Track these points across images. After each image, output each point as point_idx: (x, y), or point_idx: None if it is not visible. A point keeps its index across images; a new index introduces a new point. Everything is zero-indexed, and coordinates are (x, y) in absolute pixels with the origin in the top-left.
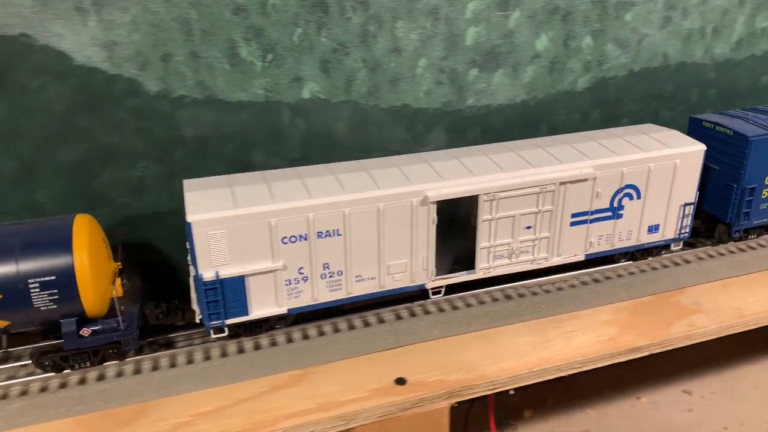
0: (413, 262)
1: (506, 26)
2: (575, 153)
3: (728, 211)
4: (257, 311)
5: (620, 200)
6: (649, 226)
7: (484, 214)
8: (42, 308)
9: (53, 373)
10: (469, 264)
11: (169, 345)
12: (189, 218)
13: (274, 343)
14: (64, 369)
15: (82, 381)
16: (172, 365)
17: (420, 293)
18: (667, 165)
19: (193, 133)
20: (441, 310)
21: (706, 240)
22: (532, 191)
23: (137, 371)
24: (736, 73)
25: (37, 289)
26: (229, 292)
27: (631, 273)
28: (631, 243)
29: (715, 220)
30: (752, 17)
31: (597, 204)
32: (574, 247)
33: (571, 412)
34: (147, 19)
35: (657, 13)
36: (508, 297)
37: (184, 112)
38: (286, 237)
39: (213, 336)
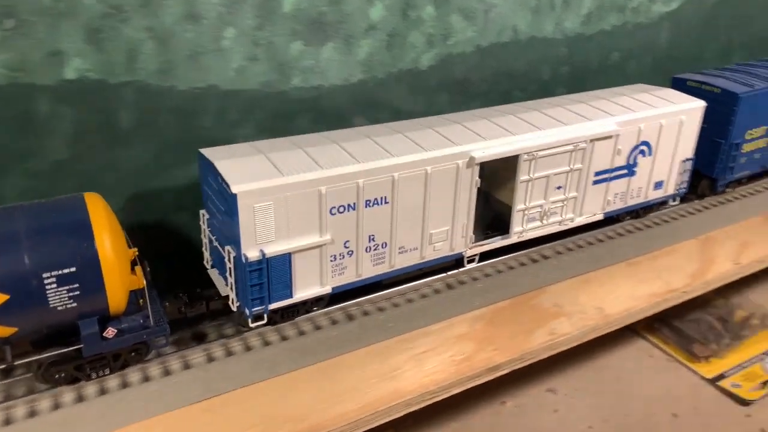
0: (454, 229)
1: None
2: (597, 111)
3: (715, 166)
4: (301, 293)
5: (635, 157)
6: (655, 183)
7: (522, 175)
8: (59, 308)
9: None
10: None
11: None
12: (234, 189)
13: (8, 422)
14: (79, 380)
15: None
16: None
17: (455, 263)
18: (675, 121)
19: None
20: (267, 343)
21: (690, 195)
22: (567, 149)
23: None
24: (587, 49)
25: (54, 285)
26: (275, 273)
27: (487, 275)
28: (640, 200)
29: (699, 175)
30: None
31: (617, 161)
32: (595, 206)
33: (434, 428)
34: None
35: None
36: (351, 317)
37: None
38: (335, 207)
39: (252, 324)
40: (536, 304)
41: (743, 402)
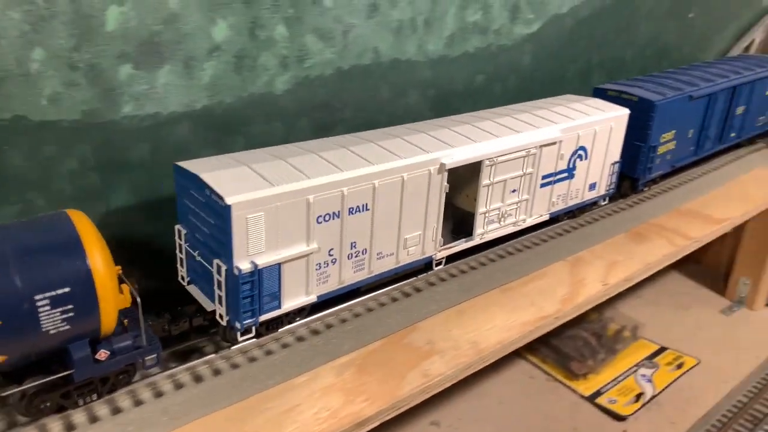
0: (425, 233)
1: (166, 7)
2: (541, 120)
3: (636, 168)
4: (288, 303)
5: (574, 161)
6: (590, 184)
7: (484, 180)
8: (51, 332)
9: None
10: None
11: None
12: (228, 200)
13: None
14: (66, 409)
15: None
16: None
17: None
18: (606, 128)
19: None
20: (93, 420)
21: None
22: (521, 155)
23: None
24: (451, 71)
25: (47, 308)
26: (265, 284)
27: (357, 315)
28: (577, 200)
29: (622, 176)
30: (462, 9)
31: (560, 165)
32: (542, 207)
33: None
34: None
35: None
36: (199, 378)
37: None
38: (321, 216)
39: (240, 339)
40: (409, 343)
41: (619, 417)
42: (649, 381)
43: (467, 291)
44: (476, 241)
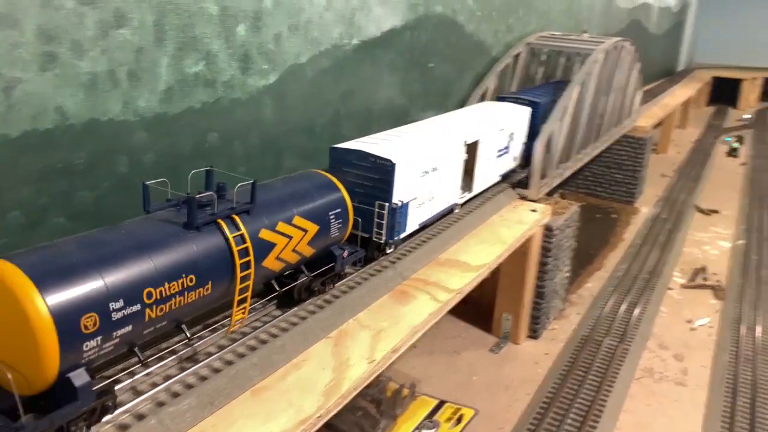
0: (456, 186)
1: None
2: (493, 115)
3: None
4: (409, 227)
5: (509, 141)
6: (514, 157)
7: (479, 151)
8: (333, 235)
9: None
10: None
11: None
12: (394, 161)
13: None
14: (320, 293)
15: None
16: None
17: None
18: (521, 119)
19: None
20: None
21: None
22: (491, 136)
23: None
24: (174, 131)
25: (333, 219)
26: (403, 215)
27: None
28: (509, 168)
29: None
30: (179, 59)
31: (504, 144)
32: (498, 171)
33: None
34: None
35: (29, 48)
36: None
37: None
38: (422, 172)
39: (387, 251)
40: None
41: None
42: None
43: (209, 404)
44: (474, 192)
